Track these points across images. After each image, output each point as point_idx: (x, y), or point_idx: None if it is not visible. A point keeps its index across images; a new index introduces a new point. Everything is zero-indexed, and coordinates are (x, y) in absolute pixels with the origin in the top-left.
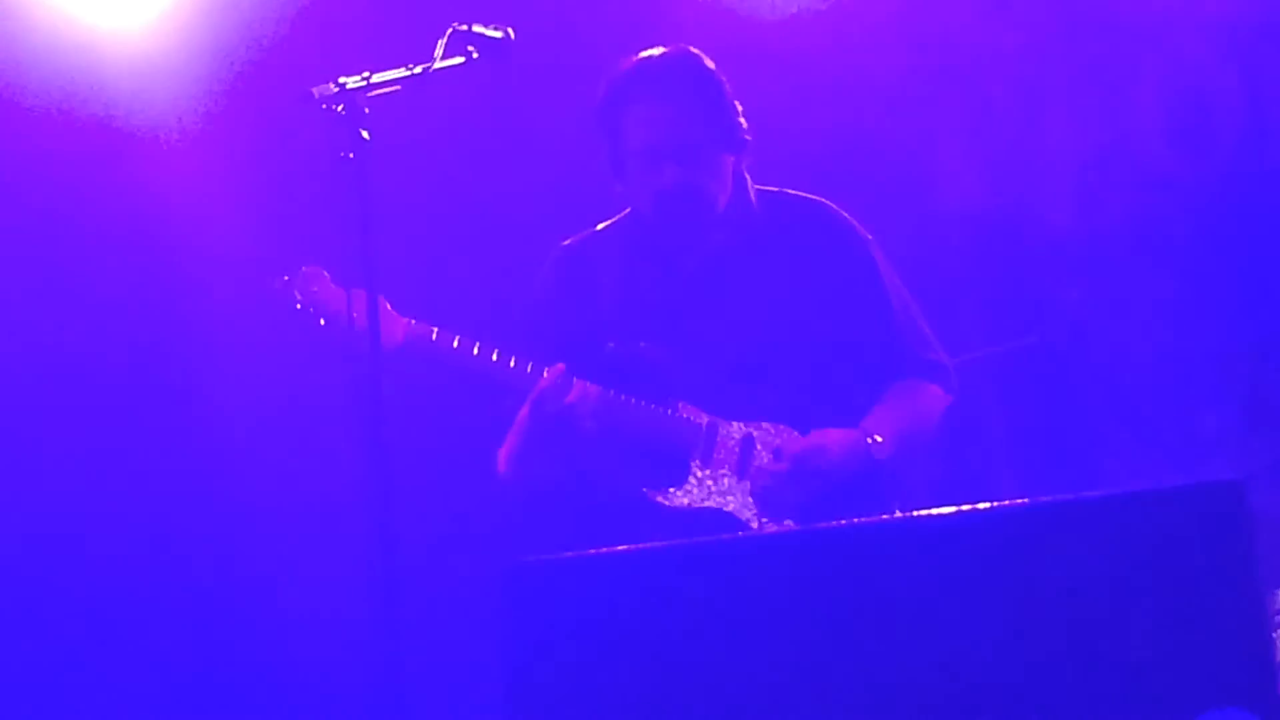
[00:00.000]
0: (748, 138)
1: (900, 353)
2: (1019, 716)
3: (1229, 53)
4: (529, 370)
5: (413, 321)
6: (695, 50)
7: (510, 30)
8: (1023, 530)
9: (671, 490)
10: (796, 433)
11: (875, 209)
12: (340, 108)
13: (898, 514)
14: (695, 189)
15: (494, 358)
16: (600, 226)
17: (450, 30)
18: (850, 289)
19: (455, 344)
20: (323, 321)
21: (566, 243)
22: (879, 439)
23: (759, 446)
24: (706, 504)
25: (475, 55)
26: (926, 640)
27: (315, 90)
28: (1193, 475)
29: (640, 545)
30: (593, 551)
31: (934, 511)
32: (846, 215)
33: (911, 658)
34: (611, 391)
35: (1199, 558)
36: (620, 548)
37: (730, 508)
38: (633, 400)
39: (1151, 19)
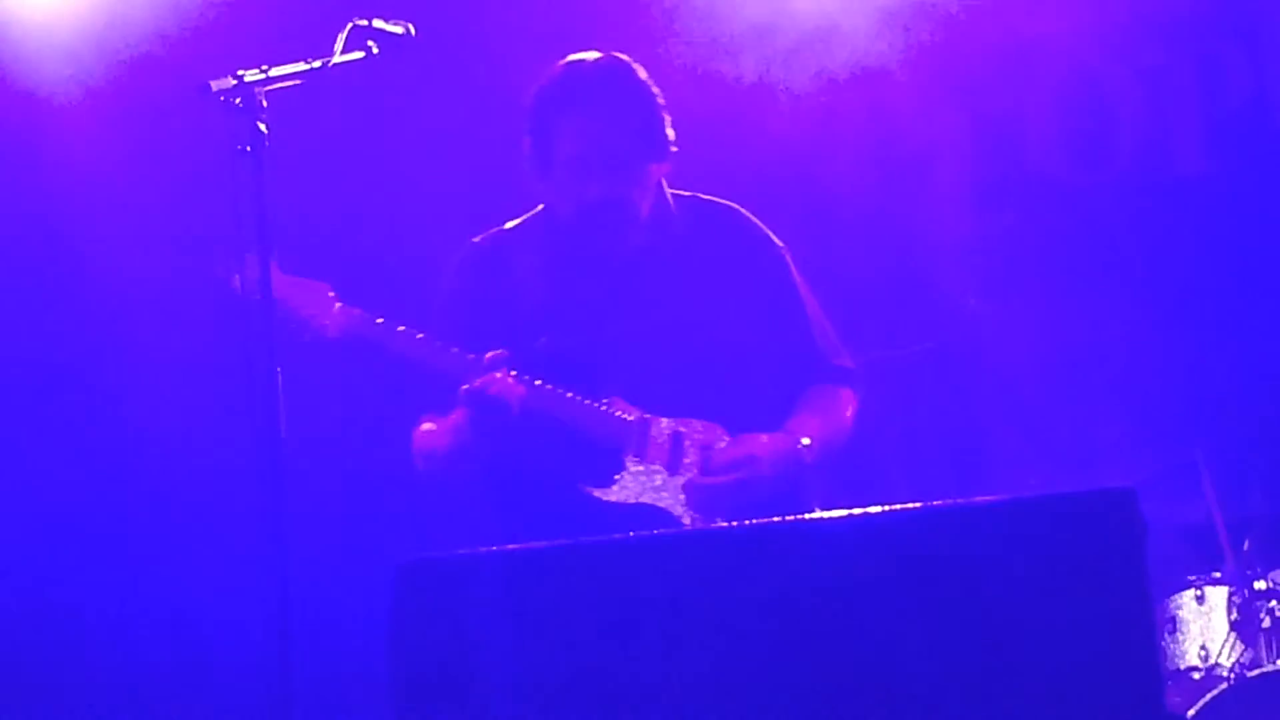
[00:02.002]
0: (674, 148)
1: (814, 357)
2: (912, 718)
3: (1125, 59)
4: (469, 359)
5: (357, 312)
6: (628, 59)
7: (410, 26)
8: (918, 534)
9: (607, 486)
10: (723, 430)
11: (776, 213)
12: (238, 100)
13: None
14: (620, 202)
15: (436, 346)
16: (510, 225)
17: (350, 25)
18: (764, 293)
19: (400, 330)
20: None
21: (476, 240)
22: (807, 443)
23: (688, 443)
24: (642, 499)
25: (375, 50)
26: (822, 640)
27: (213, 83)
28: (1085, 483)
29: (530, 544)
30: (482, 550)
31: (830, 514)
32: (759, 222)
33: (807, 658)
34: (543, 384)
35: (1092, 564)
36: (510, 546)
37: (664, 504)
38: (567, 394)
39: (1047, 25)
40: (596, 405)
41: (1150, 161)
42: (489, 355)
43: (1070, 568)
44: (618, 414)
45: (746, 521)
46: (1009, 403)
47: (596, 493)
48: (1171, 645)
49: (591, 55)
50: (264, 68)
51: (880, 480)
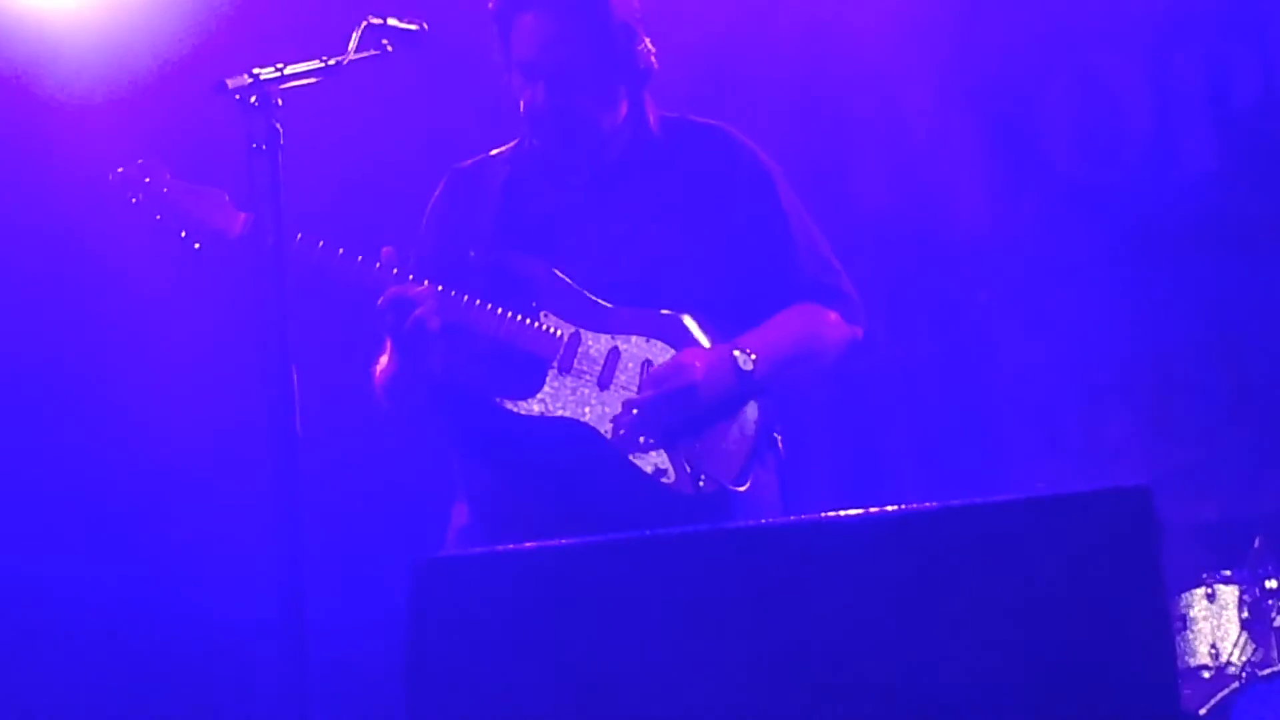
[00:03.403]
0: (648, 66)
1: (796, 277)
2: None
3: (1137, 57)
4: (373, 267)
5: (252, 215)
6: None
7: (425, 24)
8: (931, 533)
9: (523, 399)
10: (668, 347)
11: None
12: (253, 99)
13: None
14: (566, 111)
15: (352, 257)
16: (494, 152)
17: (365, 23)
18: (745, 211)
19: (299, 238)
20: (159, 217)
21: (459, 166)
22: (750, 354)
23: (627, 360)
24: (560, 413)
25: (390, 48)
26: (836, 639)
27: (229, 81)
28: (1097, 481)
29: (549, 543)
30: (500, 549)
31: (842, 513)
32: (749, 141)
33: (821, 657)
34: (454, 292)
35: (1107, 563)
36: (527, 545)
37: (586, 418)
38: (486, 306)
39: (1061, 24)
40: (519, 318)
41: (1160, 158)
42: (383, 252)
43: (1085, 567)
44: (543, 327)
45: (675, 440)
46: (1019, 399)
47: (510, 405)
48: (1182, 643)
49: None
50: (279, 66)
51: (891, 478)
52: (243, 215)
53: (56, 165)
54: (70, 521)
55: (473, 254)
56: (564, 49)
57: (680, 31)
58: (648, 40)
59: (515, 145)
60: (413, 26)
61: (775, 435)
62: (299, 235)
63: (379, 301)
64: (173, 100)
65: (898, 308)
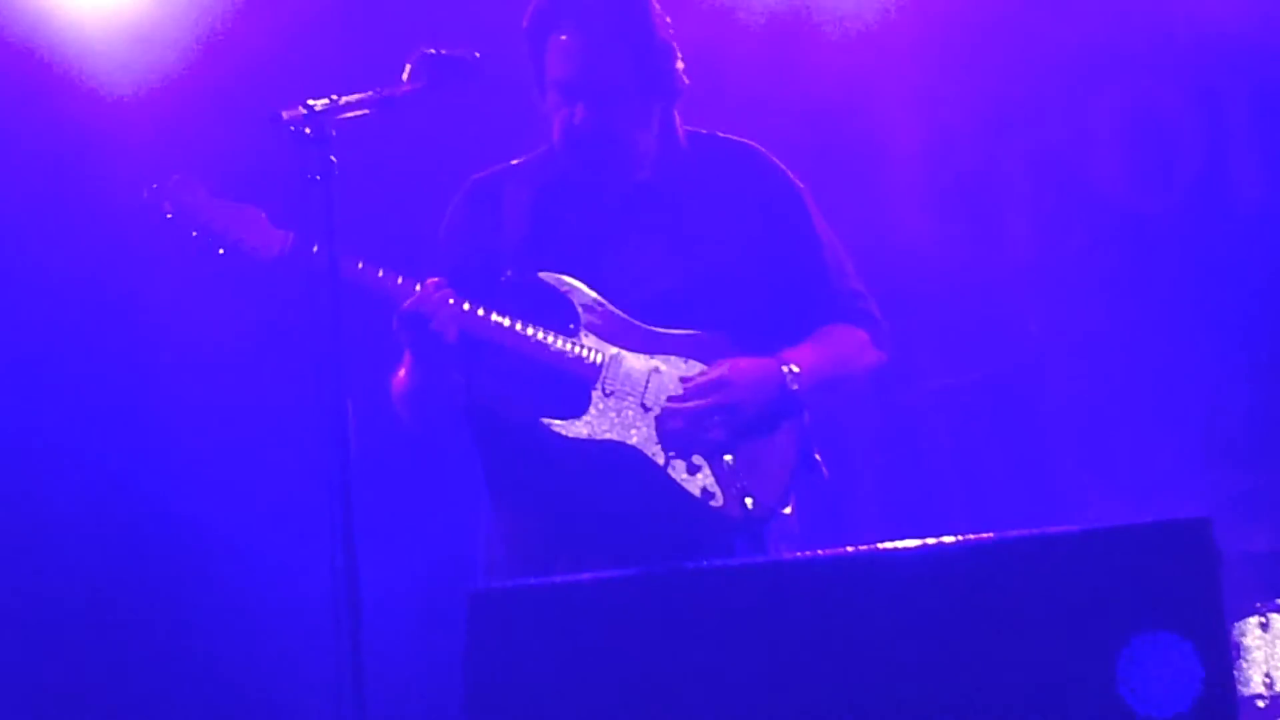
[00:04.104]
0: (681, 83)
1: (828, 298)
2: None
3: (1188, 84)
4: (400, 283)
5: (290, 234)
6: None
7: (477, 54)
8: (990, 564)
9: (571, 420)
10: (705, 366)
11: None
12: (308, 130)
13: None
14: (606, 132)
15: (373, 271)
16: (515, 161)
17: (418, 53)
18: (778, 232)
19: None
20: (195, 234)
21: (479, 176)
22: (795, 369)
23: (665, 379)
24: (607, 435)
25: (443, 78)
26: (894, 673)
27: (284, 112)
28: (1147, 510)
29: (605, 573)
30: (557, 580)
31: (901, 544)
32: (778, 161)
33: (880, 690)
34: (496, 314)
35: (1167, 594)
36: (584, 576)
37: (633, 440)
38: (525, 328)
39: (1111, 51)
40: (560, 339)
41: (1211, 186)
42: (428, 281)
43: (1146, 598)
44: (584, 349)
45: (724, 457)
46: (1072, 430)
47: (556, 426)
48: (1236, 673)
49: None
50: (333, 97)
51: (947, 509)
52: (281, 234)
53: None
54: (129, 542)
55: (509, 274)
56: (605, 69)
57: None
58: (681, 56)
59: (538, 156)
60: (466, 57)
61: (816, 457)
62: (314, 247)
63: (396, 314)
64: (227, 131)
65: (948, 337)
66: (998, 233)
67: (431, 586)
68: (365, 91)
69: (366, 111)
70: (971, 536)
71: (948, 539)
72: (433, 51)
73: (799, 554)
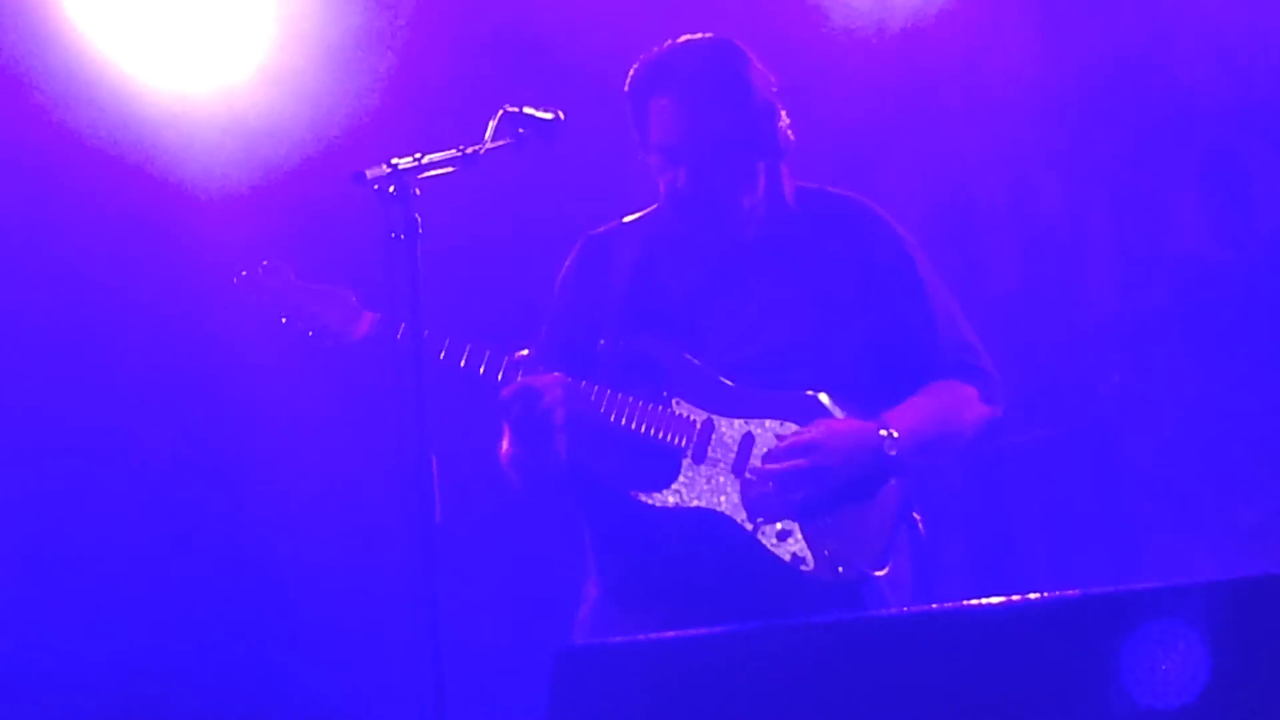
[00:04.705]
0: (785, 141)
1: (936, 354)
2: None
3: (1270, 138)
4: (483, 370)
5: (378, 315)
6: (734, 43)
7: (560, 112)
8: (1072, 621)
9: (658, 491)
10: (801, 428)
11: None
12: (392, 189)
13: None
14: (709, 194)
15: (456, 358)
16: (627, 219)
17: (501, 111)
18: (885, 287)
19: (425, 334)
20: (284, 320)
21: (594, 232)
22: (894, 433)
23: (760, 444)
24: (696, 503)
25: (526, 136)
26: None
27: (368, 171)
28: (1231, 565)
29: (689, 631)
30: (639, 639)
31: (985, 601)
32: (885, 213)
33: None
34: (584, 383)
35: (1252, 650)
36: (668, 634)
37: (723, 507)
38: (616, 395)
39: (1193, 104)
40: (651, 407)
41: None
42: (518, 355)
43: (1231, 655)
44: (676, 415)
45: (814, 520)
46: (1151, 485)
47: (644, 497)
48: None
49: (697, 36)
50: (417, 155)
51: (1030, 565)
52: (369, 315)
53: (200, 261)
54: (212, 604)
55: (602, 342)
56: (706, 135)
57: (818, 106)
58: (785, 114)
59: (650, 213)
60: (549, 115)
61: (915, 516)
62: (425, 332)
63: (503, 393)
64: (312, 191)
65: (1031, 390)
66: (1079, 284)
67: (516, 643)
68: (449, 149)
69: (451, 169)
70: (1055, 593)
71: (1032, 595)
72: (515, 110)
73: (885, 611)
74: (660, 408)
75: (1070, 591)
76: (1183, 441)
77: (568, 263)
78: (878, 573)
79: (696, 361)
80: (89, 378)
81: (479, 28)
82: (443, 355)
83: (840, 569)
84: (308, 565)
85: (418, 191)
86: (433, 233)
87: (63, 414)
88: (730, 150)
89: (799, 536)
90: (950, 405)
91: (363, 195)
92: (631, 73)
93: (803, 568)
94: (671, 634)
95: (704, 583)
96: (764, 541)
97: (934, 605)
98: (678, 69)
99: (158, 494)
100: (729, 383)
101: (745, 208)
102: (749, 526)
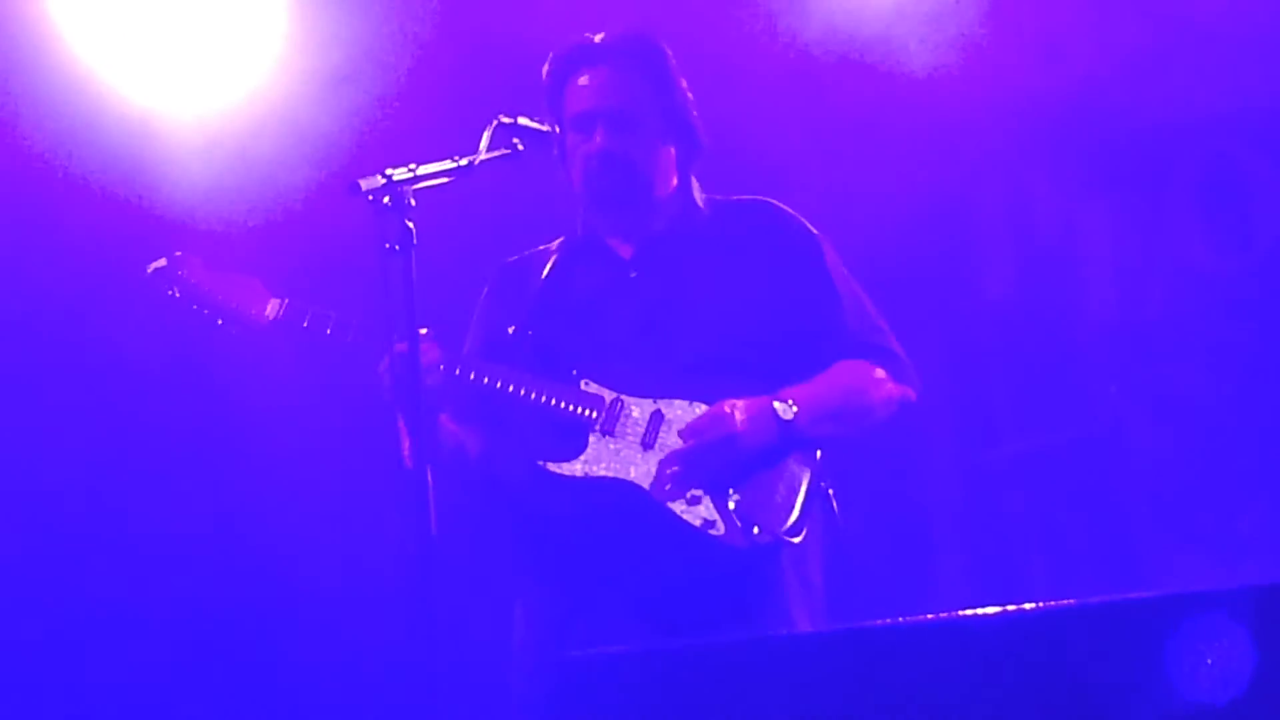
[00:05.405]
0: (698, 137)
1: (841, 336)
2: None
3: (1268, 148)
4: (382, 336)
5: (285, 300)
6: (650, 33)
7: (556, 127)
8: (1071, 631)
9: (566, 461)
10: (708, 407)
11: (913, 300)
12: (386, 199)
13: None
14: (623, 158)
15: (343, 334)
16: (541, 246)
17: (495, 122)
18: (791, 276)
19: (330, 314)
20: (195, 307)
21: (506, 260)
22: (791, 404)
23: (670, 421)
24: (603, 473)
25: (520, 147)
26: None
27: (362, 182)
28: (1227, 574)
29: (676, 641)
30: (629, 649)
31: (982, 611)
32: (793, 211)
33: None
34: (492, 364)
35: (1251, 661)
36: (664, 644)
37: (631, 476)
38: (525, 376)
39: (1189, 113)
40: (559, 385)
41: None
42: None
43: (1229, 665)
44: (581, 395)
45: (727, 490)
46: (1150, 493)
47: (552, 467)
48: None
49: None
50: (412, 166)
51: (1027, 574)
52: (274, 300)
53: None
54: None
55: (511, 329)
56: (622, 94)
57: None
58: (699, 120)
59: (563, 240)
60: (544, 126)
61: (828, 490)
62: (305, 321)
63: (379, 367)
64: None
65: (1029, 399)
66: (1077, 293)
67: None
68: (444, 160)
69: (446, 180)
70: (1052, 602)
71: (1029, 605)
72: (510, 120)
73: (884, 621)
74: (568, 386)
75: (1068, 601)
76: (1180, 450)
77: (484, 290)
78: (793, 539)
79: (604, 346)
80: (89, 386)
81: (474, 39)
82: (329, 331)
83: (755, 531)
84: (304, 577)
85: (412, 202)
86: (427, 243)
87: (63, 416)
88: (644, 113)
89: (709, 504)
90: (853, 381)
91: (358, 206)
92: (550, 57)
93: (712, 531)
94: (669, 643)
95: (617, 550)
96: (674, 508)
97: (927, 615)
98: (602, 48)
99: (157, 500)
100: (639, 366)
101: (656, 191)
102: (658, 494)
